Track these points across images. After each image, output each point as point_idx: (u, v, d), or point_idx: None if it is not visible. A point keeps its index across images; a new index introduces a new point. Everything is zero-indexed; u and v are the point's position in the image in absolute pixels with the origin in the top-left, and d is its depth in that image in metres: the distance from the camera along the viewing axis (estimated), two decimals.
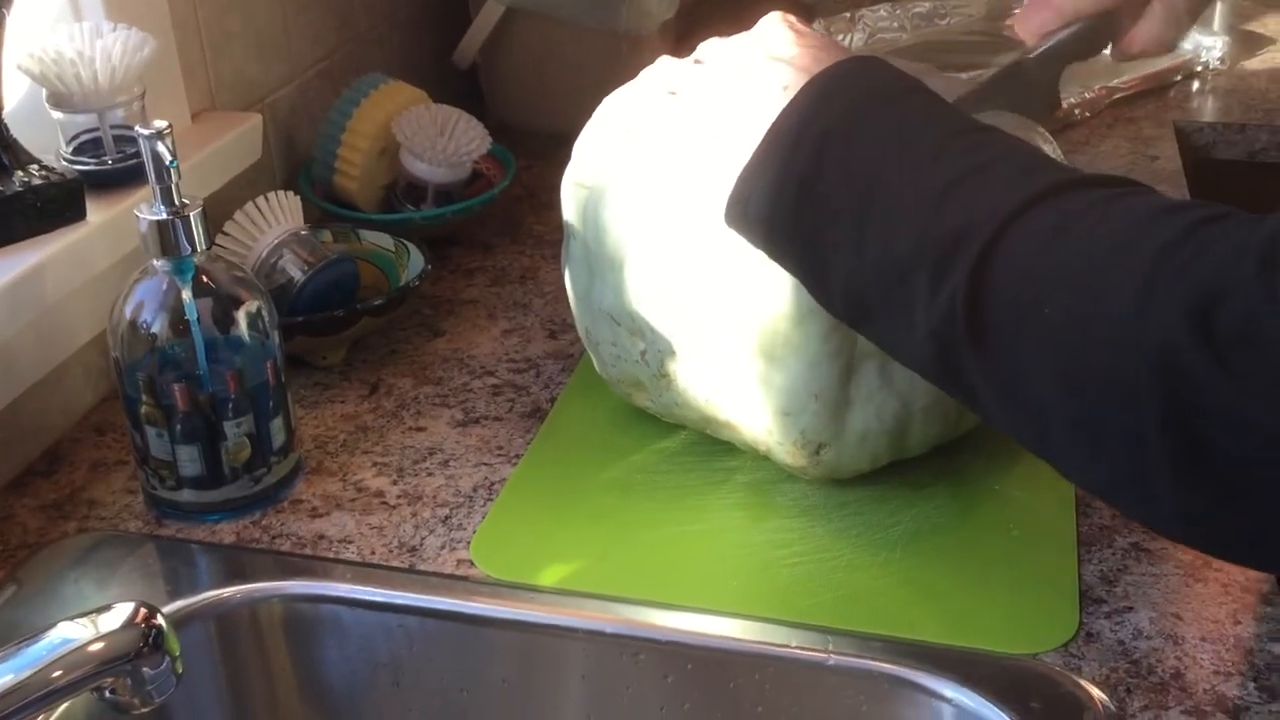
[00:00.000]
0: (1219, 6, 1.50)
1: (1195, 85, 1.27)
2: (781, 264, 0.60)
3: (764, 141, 0.57)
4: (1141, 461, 0.44)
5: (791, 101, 0.57)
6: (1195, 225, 0.44)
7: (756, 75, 0.63)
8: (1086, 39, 0.68)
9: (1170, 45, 0.68)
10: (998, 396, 0.50)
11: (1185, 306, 0.42)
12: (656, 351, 0.70)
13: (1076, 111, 1.16)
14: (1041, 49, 0.68)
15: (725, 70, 0.67)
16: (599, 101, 0.76)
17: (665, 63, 0.74)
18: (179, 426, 0.67)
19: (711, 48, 0.70)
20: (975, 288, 0.48)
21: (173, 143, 0.64)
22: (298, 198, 0.85)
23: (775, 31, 0.65)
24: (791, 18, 0.66)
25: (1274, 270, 0.40)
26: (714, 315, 0.67)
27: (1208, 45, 1.28)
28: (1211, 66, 1.28)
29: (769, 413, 0.68)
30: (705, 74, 0.69)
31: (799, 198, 0.56)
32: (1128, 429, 0.44)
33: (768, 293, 0.65)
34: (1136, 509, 0.48)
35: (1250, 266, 0.41)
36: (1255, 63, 1.32)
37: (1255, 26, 1.42)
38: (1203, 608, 0.61)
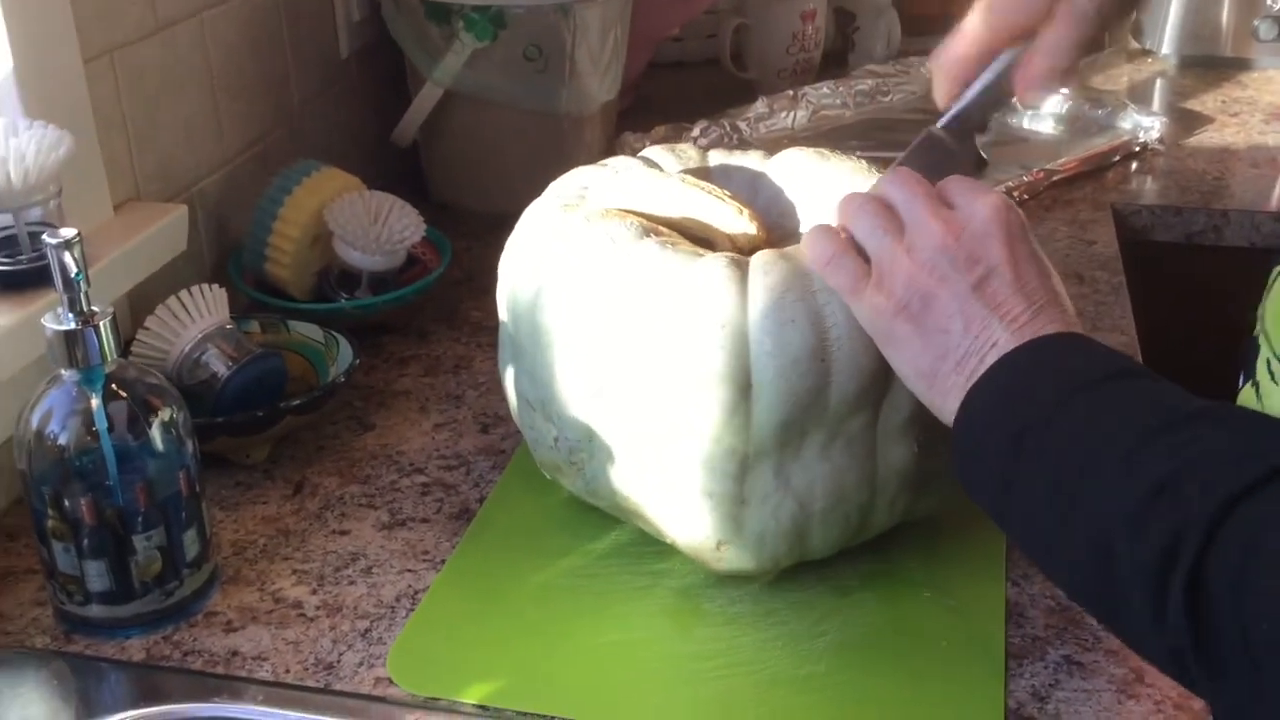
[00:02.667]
0: (1157, 84, 1.52)
1: (1134, 165, 1.28)
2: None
3: (963, 413, 0.56)
4: None
5: (983, 380, 0.55)
6: None
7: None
8: (990, 96, 0.68)
9: (1061, 76, 0.67)
10: (1241, 691, 0.44)
11: None
12: (565, 440, 0.70)
13: (1015, 194, 1.16)
14: (947, 117, 0.69)
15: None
16: (539, 182, 0.76)
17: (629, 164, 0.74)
18: (86, 541, 0.65)
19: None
20: (1193, 601, 0.44)
21: (81, 252, 0.62)
22: (223, 291, 0.84)
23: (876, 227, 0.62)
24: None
25: None
26: (612, 410, 0.67)
27: (1146, 125, 1.29)
28: (1150, 146, 1.29)
29: (670, 508, 0.68)
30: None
31: (1005, 488, 0.53)
32: None
33: (660, 391, 0.65)
34: None
35: None
36: (1193, 142, 1.33)
37: (1193, 105, 1.44)
38: None
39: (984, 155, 0.71)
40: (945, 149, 0.69)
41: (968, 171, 0.69)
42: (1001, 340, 0.56)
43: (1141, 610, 0.46)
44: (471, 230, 1.12)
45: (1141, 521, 0.46)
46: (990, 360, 0.56)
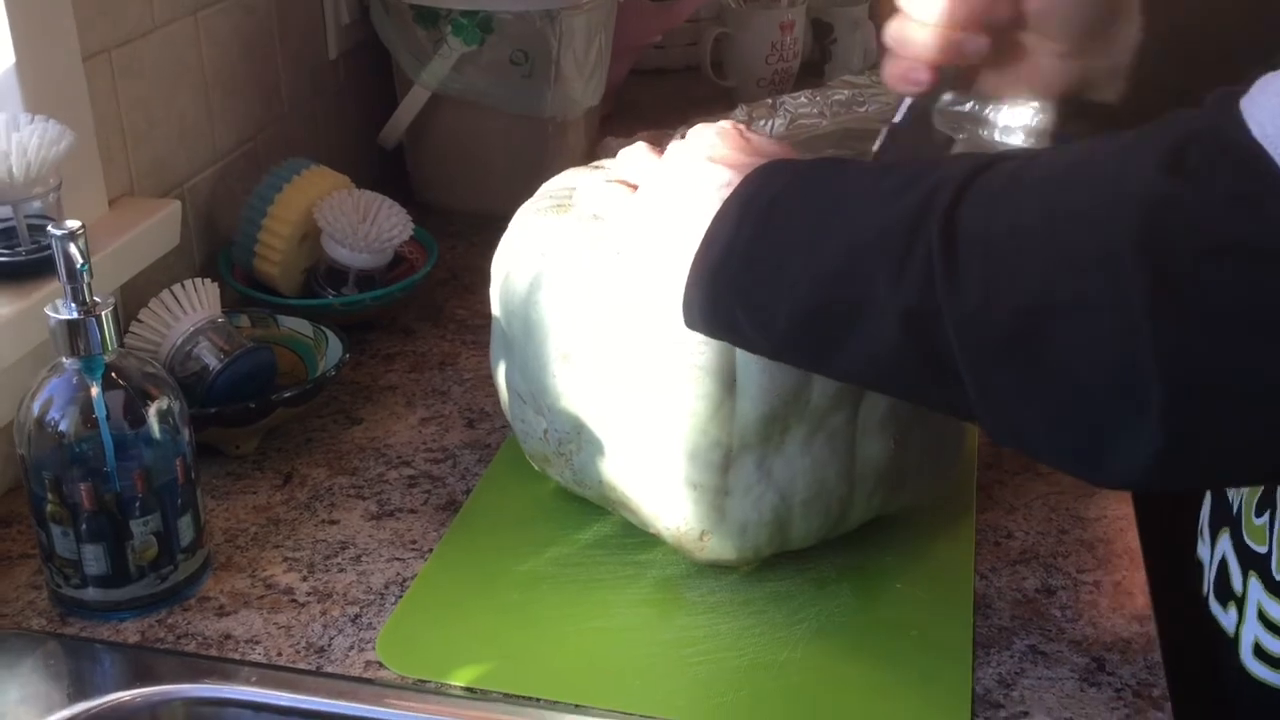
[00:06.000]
0: None
1: None
2: (731, 337, 0.62)
3: (709, 227, 0.60)
4: (1122, 299, 0.44)
5: (738, 186, 0.60)
6: (1153, 124, 0.47)
7: (691, 175, 0.64)
8: (946, 76, 0.69)
9: (1055, 86, 0.69)
10: (975, 329, 0.49)
11: (1158, 156, 0.44)
12: (555, 431, 0.73)
13: None
14: (902, 110, 0.70)
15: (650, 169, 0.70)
16: (523, 183, 0.78)
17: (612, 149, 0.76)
18: (84, 525, 0.67)
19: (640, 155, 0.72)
20: (947, 231, 0.49)
21: (85, 244, 0.64)
22: (215, 285, 0.85)
23: (706, 135, 0.67)
24: (726, 125, 0.68)
25: (1226, 105, 0.44)
26: (600, 403, 0.70)
27: None
28: None
29: (655, 498, 0.70)
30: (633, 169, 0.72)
31: (749, 254, 0.58)
32: (1108, 267, 0.44)
33: (648, 383, 0.67)
34: (1119, 398, 0.46)
35: (1210, 115, 0.44)
36: None
37: None
38: (1096, 713, 0.63)
39: (949, 133, 0.73)
40: (911, 138, 0.71)
41: (939, 152, 0.72)
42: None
43: (881, 273, 0.51)
44: (456, 230, 1.14)
45: (891, 202, 0.52)
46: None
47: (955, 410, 0.53)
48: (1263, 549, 0.62)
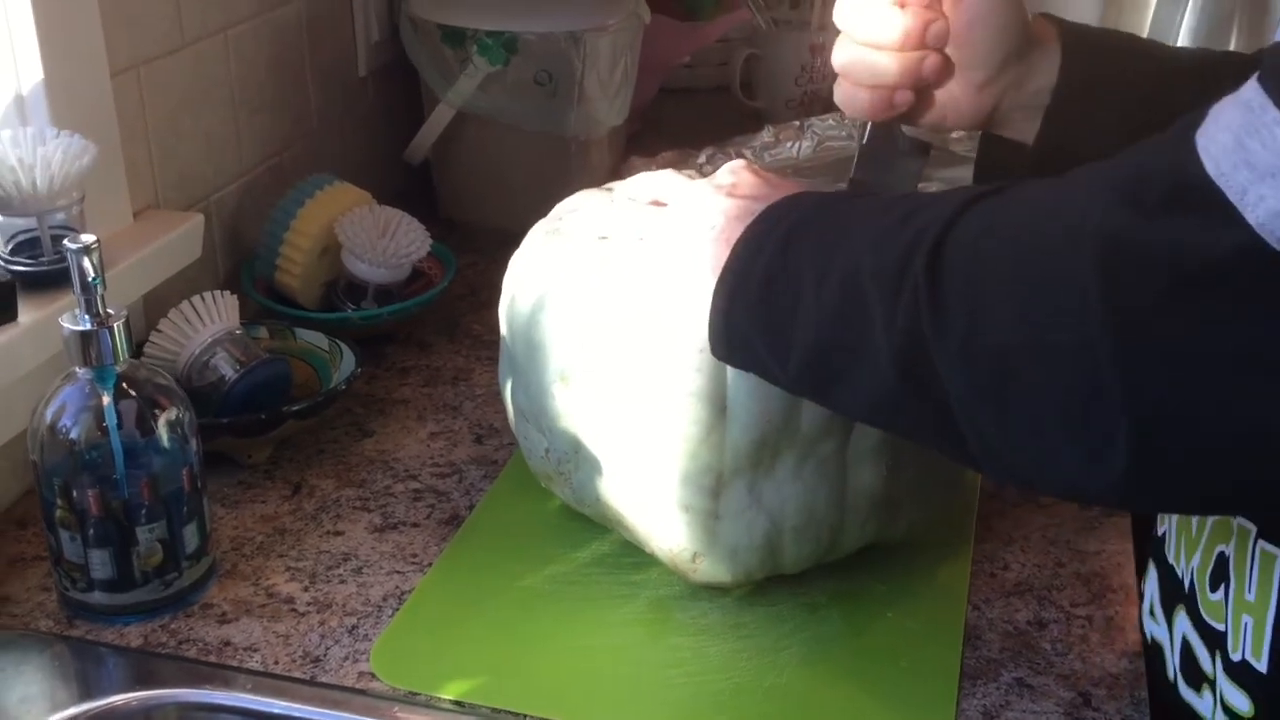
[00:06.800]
0: None
1: None
2: (753, 368, 0.63)
3: (734, 252, 0.61)
4: (1086, 339, 0.45)
5: (758, 218, 0.61)
6: (1117, 157, 0.48)
7: (703, 207, 0.66)
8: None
9: (970, 117, 0.71)
10: (959, 367, 0.50)
11: (1119, 193, 0.45)
12: (554, 450, 0.74)
13: None
14: (867, 135, 0.72)
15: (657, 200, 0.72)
16: (545, 201, 0.80)
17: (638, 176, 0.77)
18: (92, 531, 0.69)
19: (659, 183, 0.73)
20: (931, 272, 0.50)
21: (99, 257, 0.66)
22: (234, 297, 0.87)
23: (721, 172, 0.68)
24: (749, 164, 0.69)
25: (1181, 139, 0.44)
26: (597, 424, 0.71)
27: None
28: None
29: (649, 519, 0.71)
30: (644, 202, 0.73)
31: (765, 287, 0.59)
32: (1072, 305, 0.45)
33: (642, 407, 0.68)
34: (1088, 433, 0.47)
35: (1168, 150, 0.45)
36: None
37: None
38: None
39: (922, 140, 0.74)
40: (882, 155, 0.72)
41: (914, 164, 0.73)
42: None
43: (878, 312, 0.52)
44: (477, 246, 1.16)
45: (888, 237, 0.53)
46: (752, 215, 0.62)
47: (955, 454, 0.54)
48: (1221, 626, 0.60)
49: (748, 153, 1.35)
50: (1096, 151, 0.49)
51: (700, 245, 0.63)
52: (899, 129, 0.73)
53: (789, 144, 1.39)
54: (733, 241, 0.61)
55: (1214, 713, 0.61)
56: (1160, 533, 0.67)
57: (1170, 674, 0.65)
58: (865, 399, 0.56)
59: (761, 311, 0.59)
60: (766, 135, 1.38)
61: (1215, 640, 0.60)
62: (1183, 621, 0.63)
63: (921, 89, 0.70)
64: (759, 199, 0.63)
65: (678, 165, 1.27)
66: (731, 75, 1.50)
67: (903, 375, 0.52)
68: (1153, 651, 0.68)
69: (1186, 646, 0.63)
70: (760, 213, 0.61)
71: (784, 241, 0.59)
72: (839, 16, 0.70)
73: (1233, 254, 0.42)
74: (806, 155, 1.39)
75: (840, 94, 0.71)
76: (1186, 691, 0.63)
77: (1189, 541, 0.63)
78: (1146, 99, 0.57)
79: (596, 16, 1.16)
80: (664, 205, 0.70)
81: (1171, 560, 0.65)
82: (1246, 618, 0.57)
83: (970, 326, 0.49)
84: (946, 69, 0.69)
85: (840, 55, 0.70)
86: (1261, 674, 0.57)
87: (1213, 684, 0.61)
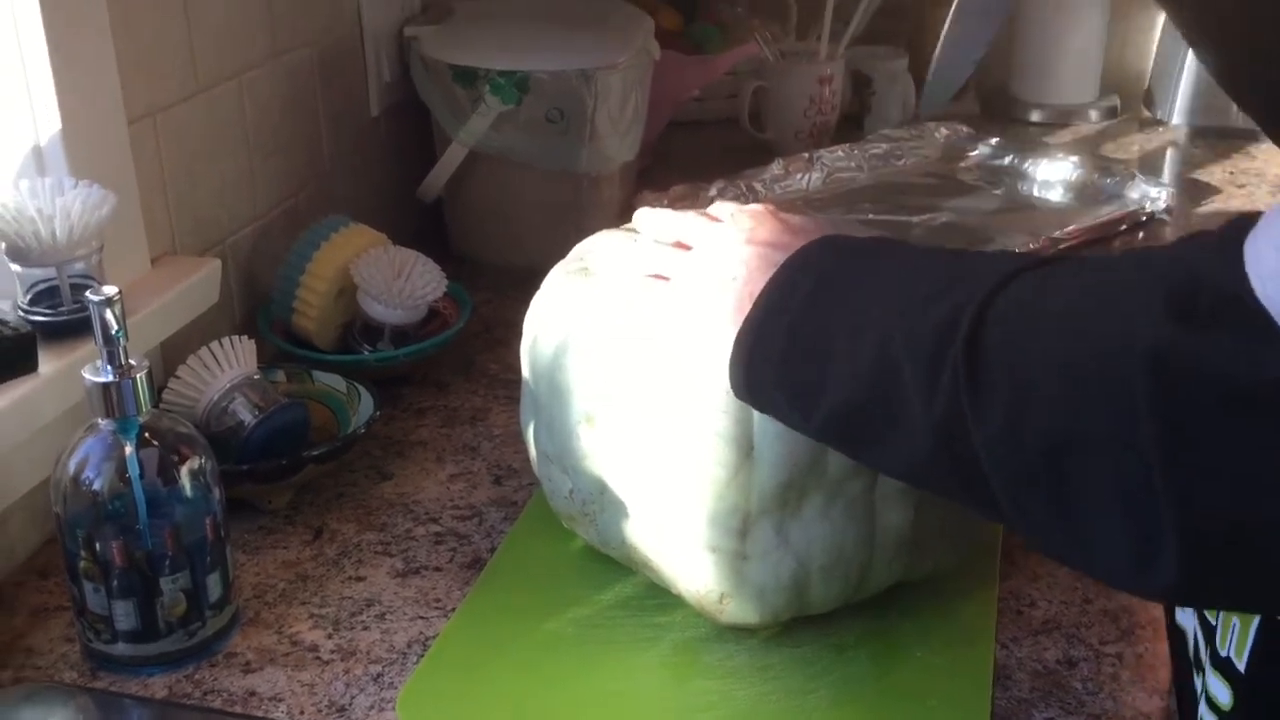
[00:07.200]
0: (1168, 154, 1.55)
1: (1140, 235, 1.31)
2: (773, 414, 0.63)
3: (757, 304, 0.61)
4: (1131, 437, 0.45)
5: (781, 267, 0.61)
6: (1161, 251, 0.48)
7: (729, 255, 0.66)
8: None
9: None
10: (1000, 454, 0.50)
11: (1167, 301, 0.45)
12: (579, 491, 0.74)
13: None
14: None
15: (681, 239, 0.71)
16: (558, 239, 0.80)
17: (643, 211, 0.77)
18: (116, 582, 0.68)
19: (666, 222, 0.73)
20: (971, 353, 0.50)
21: (121, 309, 0.66)
22: (252, 342, 0.87)
23: (741, 219, 0.68)
24: (759, 208, 0.69)
25: (1233, 250, 0.44)
26: (623, 466, 0.71)
27: (1153, 195, 1.32)
28: (1156, 216, 1.32)
29: (675, 560, 0.71)
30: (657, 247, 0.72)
31: (791, 345, 0.59)
32: (1121, 414, 0.45)
33: (668, 448, 0.68)
34: (1134, 528, 0.47)
35: (1215, 261, 0.45)
36: (1200, 212, 1.36)
37: (1202, 175, 1.47)
38: None
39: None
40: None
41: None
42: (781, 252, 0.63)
43: (914, 385, 0.52)
44: (491, 284, 1.16)
45: (924, 310, 0.53)
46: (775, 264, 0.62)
47: (990, 517, 0.54)
48: (1213, 621, 0.61)
49: (758, 185, 1.36)
50: None
51: (722, 296, 0.64)
52: None
53: (799, 175, 1.39)
54: (755, 294, 0.61)
55: (1199, 698, 0.62)
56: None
57: (1190, 657, 0.66)
58: (900, 462, 0.56)
59: (786, 370, 0.60)
60: (776, 168, 1.38)
61: (1209, 632, 0.61)
62: (1192, 613, 0.65)
63: None
64: (778, 247, 0.63)
65: (689, 199, 1.28)
66: (740, 108, 1.51)
67: (941, 448, 0.52)
68: (1178, 637, 0.69)
69: (1193, 634, 0.65)
70: (783, 264, 0.61)
71: (810, 298, 0.59)
72: None
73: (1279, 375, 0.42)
74: (816, 186, 1.40)
75: None
76: (1196, 676, 0.65)
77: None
78: None
79: (607, 54, 1.16)
80: (688, 248, 0.70)
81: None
82: (1234, 618, 0.59)
83: (1014, 414, 0.49)
84: None
85: None
86: (1240, 672, 0.58)
87: (1203, 672, 0.62)
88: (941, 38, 0.71)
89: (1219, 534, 0.45)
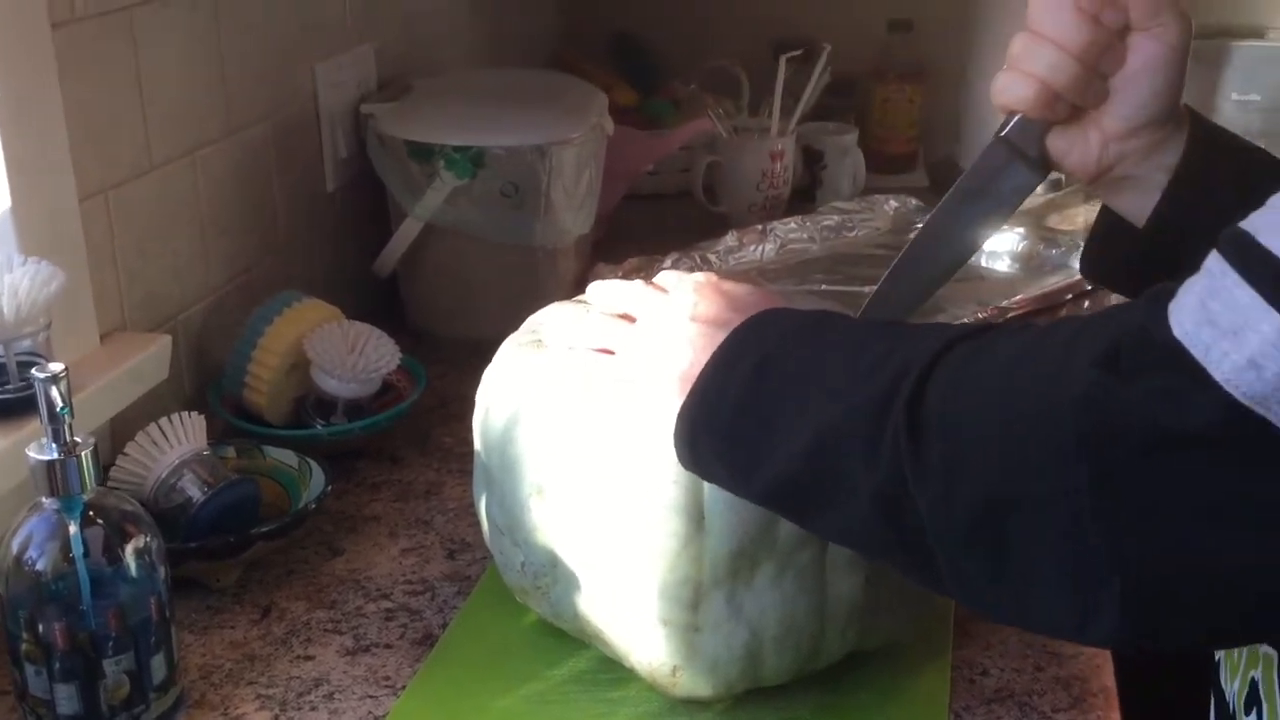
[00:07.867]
0: None
1: (1085, 304, 1.33)
2: (720, 484, 0.64)
3: (699, 380, 0.62)
4: (1069, 483, 0.46)
5: (722, 345, 0.62)
6: (1093, 317, 0.49)
7: (671, 334, 0.66)
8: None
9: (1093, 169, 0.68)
10: (942, 516, 0.50)
11: (1094, 355, 0.47)
12: (530, 564, 0.74)
13: None
14: (1010, 127, 0.68)
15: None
16: (514, 311, 0.80)
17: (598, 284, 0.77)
18: (58, 665, 0.67)
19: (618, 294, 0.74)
20: (912, 419, 0.51)
21: (67, 386, 0.65)
22: (202, 418, 0.87)
23: (685, 293, 0.68)
24: (700, 277, 0.70)
25: (1158, 309, 0.46)
26: (574, 538, 0.71)
27: None
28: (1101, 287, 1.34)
29: (627, 633, 0.71)
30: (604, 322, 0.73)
31: (736, 418, 0.60)
32: (1052, 466, 0.47)
33: (619, 520, 0.68)
34: (1077, 583, 0.47)
35: (1141, 314, 0.47)
36: None
37: None
38: None
39: (1046, 159, 0.70)
40: (1003, 163, 0.69)
41: (1029, 179, 0.68)
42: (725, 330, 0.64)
43: (857, 454, 0.53)
44: (446, 357, 1.16)
45: (865, 379, 0.54)
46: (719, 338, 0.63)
47: (929, 585, 0.54)
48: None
49: (713, 257, 1.37)
50: (1211, 228, 0.47)
51: (666, 372, 0.64)
52: (1037, 132, 0.68)
53: (752, 247, 1.41)
54: (698, 371, 0.62)
55: None
56: (1218, 659, 0.67)
57: None
58: (838, 530, 0.58)
59: (729, 445, 0.61)
60: (730, 239, 1.40)
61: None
62: None
63: (1074, 108, 0.66)
64: (720, 324, 0.64)
65: (644, 271, 1.29)
66: (694, 181, 1.53)
67: (883, 514, 0.53)
68: None
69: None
70: (724, 341, 0.62)
71: (753, 374, 0.60)
72: (1032, 12, 0.66)
73: (1204, 410, 0.43)
74: (770, 257, 1.41)
75: (1001, 83, 0.67)
76: None
77: (1231, 666, 0.64)
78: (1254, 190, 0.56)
79: (561, 129, 1.18)
80: (633, 320, 0.70)
81: (1223, 685, 0.65)
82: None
83: (952, 477, 0.50)
84: (1104, 98, 0.66)
85: (1017, 45, 0.66)
86: None
87: None
88: (870, 294, 0.73)
89: (1156, 578, 0.45)
